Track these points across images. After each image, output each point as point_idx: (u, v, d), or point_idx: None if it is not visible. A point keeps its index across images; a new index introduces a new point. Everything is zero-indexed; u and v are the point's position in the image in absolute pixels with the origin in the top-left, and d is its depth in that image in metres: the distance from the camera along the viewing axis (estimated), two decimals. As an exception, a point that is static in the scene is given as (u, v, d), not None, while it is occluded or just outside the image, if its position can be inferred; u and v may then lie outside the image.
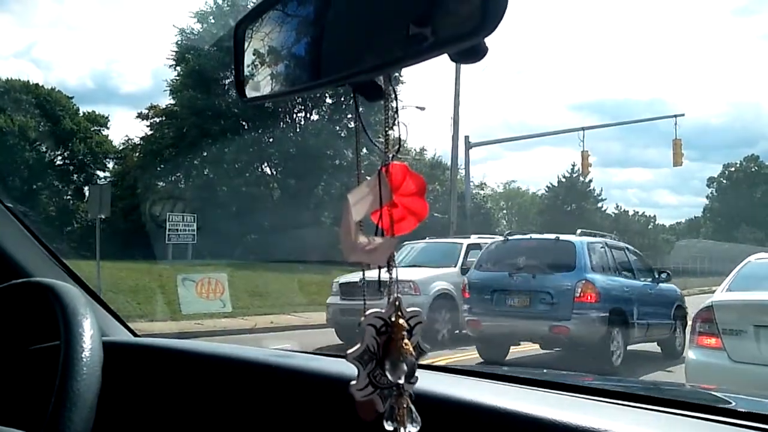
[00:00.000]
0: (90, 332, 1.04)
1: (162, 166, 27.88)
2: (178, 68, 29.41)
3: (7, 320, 1.39)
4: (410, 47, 0.60)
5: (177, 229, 19.38)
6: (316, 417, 1.19)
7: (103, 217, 16.22)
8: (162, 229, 19.75)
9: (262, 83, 0.80)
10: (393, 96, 0.68)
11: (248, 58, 0.81)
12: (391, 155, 0.69)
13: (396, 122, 0.68)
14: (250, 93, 0.81)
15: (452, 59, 0.61)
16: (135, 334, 1.80)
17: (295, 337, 12.66)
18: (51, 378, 0.98)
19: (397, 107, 0.69)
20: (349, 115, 28.96)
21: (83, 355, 1.00)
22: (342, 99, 27.11)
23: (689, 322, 5.82)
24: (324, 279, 18.50)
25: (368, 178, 0.70)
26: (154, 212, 23.58)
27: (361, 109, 0.70)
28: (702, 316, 5.21)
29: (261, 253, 21.21)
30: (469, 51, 0.60)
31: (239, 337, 11.71)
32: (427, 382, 1.04)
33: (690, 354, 5.25)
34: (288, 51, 0.76)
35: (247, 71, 0.81)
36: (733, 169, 70.99)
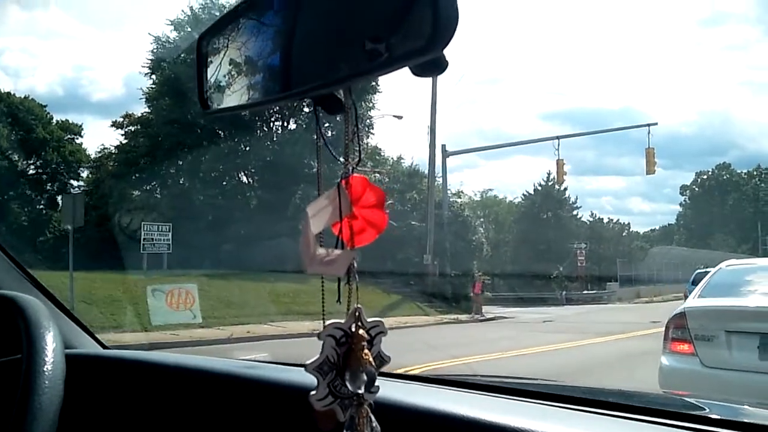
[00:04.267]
0: (52, 345, 1.03)
1: (137, 175, 27.53)
2: (154, 77, 29.18)
3: None
4: (368, 62, 0.61)
5: (152, 239, 19.18)
6: (281, 427, 1.19)
7: (76, 227, 15.99)
8: (136, 239, 19.52)
9: (223, 96, 0.80)
10: (353, 109, 0.69)
11: (210, 70, 0.81)
12: (351, 167, 0.69)
13: (355, 134, 0.69)
14: (212, 105, 0.81)
15: (414, 73, 0.62)
16: (104, 346, 1.79)
17: (273, 347, 12.54)
18: (12, 393, 0.97)
19: (357, 121, 0.70)
20: (327, 124, 28.84)
21: (45, 369, 0.99)
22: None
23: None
24: (300, 288, 18.42)
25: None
26: (129, 222, 23.33)
27: (327, 124, 0.71)
28: (675, 323, 5.22)
29: (237, 262, 21.07)
30: (430, 65, 0.61)
31: (214, 347, 11.59)
32: (390, 390, 1.04)
33: (663, 360, 5.25)
34: (249, 65, 0.77)
35: (209, 84, 0.81)
36: (705, 177, 72.21)
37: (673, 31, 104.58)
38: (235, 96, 0.79)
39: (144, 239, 19.05)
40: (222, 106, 0.81)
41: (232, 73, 0.79)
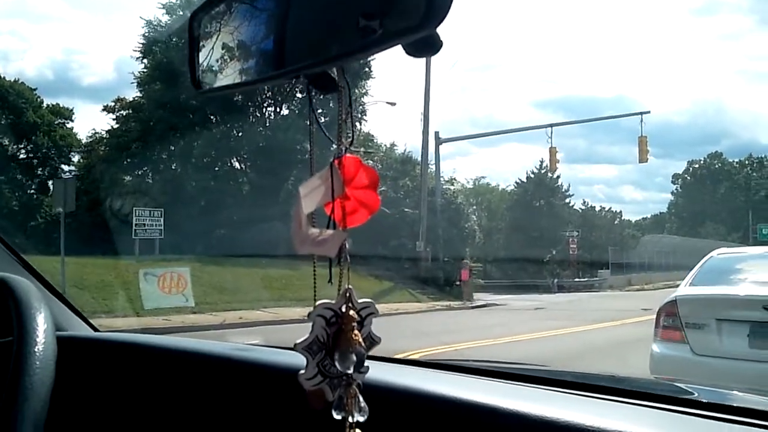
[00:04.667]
0: (43, 326, 1.03)
1: (128, 160, 27.38)
2: (145, 61, 28.91)
3: None
4: (361, 40, 0.60)
5: (144, 224, 19.08)
6: (274, 408, 1.20)
7: (67, 211, 15.90)
8: (128, 224, 19.42)
9: (215, 75, 0.80)
10: (346, 89, 0.69)
11: (202, 49, 0.80)
12: (344, 148, 0.69)
13: (349, 115, 0.69)
14: (203, 85, 0.80)
15: (407, 52, 0.62)
16: (96, 329, 1.79)
17: (265, 333, 12.53)
18: (3, 375, 0.96)
19: (350, 100, 0.70)
20: (320, 110, 28.69)
21: (36, 350, 0.99)
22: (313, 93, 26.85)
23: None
24: (293, 274, 18.40)
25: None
26: (120, 207, 23.18)
27: (320, 110, 0.69)
28: (666, 310, 5.26)
29: (229, 248, 21.01)
30: (423, 44, 0.61)
31: (207, 333, 11.58)
32: (379, 372, 1.04)
33: (654, 347, 5.29)
34: (242, 43, 0.76)
35: (201, 63, 0.80)
36: (697, 165, 72.43)
37: (667, 19, 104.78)
38: (228, 76, 0.78)
39: (136, 225, 18.94)
40: (214, 86, 0.80)
41: (225, 51, 0.78)
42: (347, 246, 0.70)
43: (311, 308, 0.70)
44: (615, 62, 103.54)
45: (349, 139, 0.70)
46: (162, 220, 19.52)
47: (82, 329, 1.73)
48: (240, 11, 0.76)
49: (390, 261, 23.64)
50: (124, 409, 1.46)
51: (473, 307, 21.60)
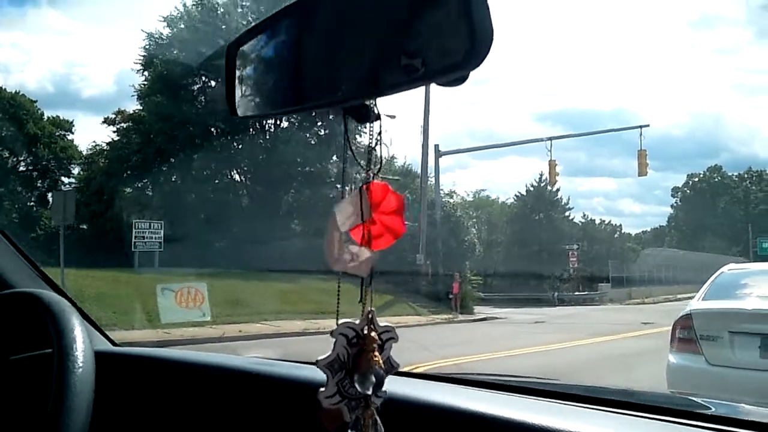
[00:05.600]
0: (82, 341, 1.05)
1: (128, 172, 27.36)
2: (146, 73, 28.97)
3: None
4: (402, 76, 0.62)
5: (143, 237, 19.05)
6: (291, 423, 1.20)
7: (66, 224, 15.87)
8: (128, 236, 19.38)
9: (253, 102, 0.82)
10: (379, 119, 0.71)
11: (239, 77, 0.82)
12: (372, 174, 0.72)
13: (379, 143, 0.72)
14: (241, 111, 0.82)
15: (438, 83, 0.64)
16: (114, 343, 1.81)
17: (267, 346, 12.48)
18: (33, 387, 1.00)
19: (381, 130, 0.72)
20: (319, 123, 28.79)
21: (77, 365, 1.01)
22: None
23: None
24: (293, 287, 18.35)
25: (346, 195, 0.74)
26: (120, 219, 23.17)
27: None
28: (681, 323, 5.54)
29: (229, 261, 20.96)
30: (456, 78, 0.63)
31: (208, 346, 11.53)
32: (399, 386, 1.06)
33: (670, 358, 5.55)
34: (280, 72, 0.79)
35: (238, 90, 0.82)
36: (696, 179, 72.47)
37: (665, 33, 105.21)
38: (263, 103, 0.82)
39: (135, 237, 18.92)
40: (251, 113, 0.83)
41: (262, 80, 0.82)
42: (373, 268, 0.73)
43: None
44: (614, 75, 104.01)
45: (377, 167, 0.72)
46: (162, 232, 19.48)
47: (100, 343, 1.74)
48: (278, 43, 0.78)
49: (389, 274, 23.54)
50: (145, 423, 1.47)
51: (473, 321, 21.53)
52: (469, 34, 0.57)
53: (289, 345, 11.86)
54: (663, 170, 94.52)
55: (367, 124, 0.71)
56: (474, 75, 0.61)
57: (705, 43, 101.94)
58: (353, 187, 0.73)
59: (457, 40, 0.58)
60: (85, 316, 1.73)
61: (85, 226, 25.32)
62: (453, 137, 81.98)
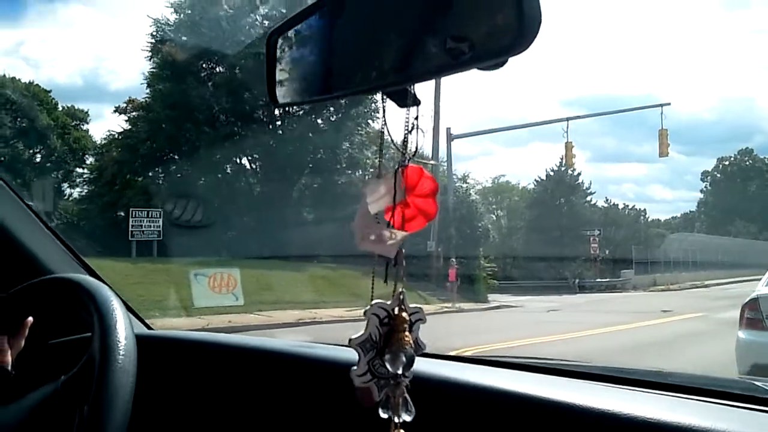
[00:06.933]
0: (124, 324, 1.06)
1: (140, 161, 27.12)
2: (153, 60, 28.60)
3: (34, 316, 1.37)
4: (450, 60, 0.61)
5: (141, 226, 18.66)
6: (330, 402, 1.21)
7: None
8: (129, 225, 19.04)
9: (293, 89, 0.83)
10: (419, 104, 0.71)
11: (280, 65, 0.82)
12: (408, 158, 0.73)
13: (416, 128, 0.72)
14: (281, 98, 0.83)
15: (479, 67, 0.63)
16: (149, 327, 1.86)
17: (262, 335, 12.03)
18: (70, 371, 1.04)
19: (417, 114, 0.72)
20: (332, 108, 28.25)
21: (121, 347, 1.02)
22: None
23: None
24: (298, 276, 17.98)
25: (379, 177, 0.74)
26: (131, 207, 22.89)
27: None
28: (749, 306, 6.58)
29: (229, 250, 20.59)
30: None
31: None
32: (426, 366, 1.11)
33: (740, 334, 6.58)
34: (321, 58, 0.79)
35: (278, 77, 0.82)
36: (727, 162, 70.76)
37: (697, 14, 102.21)
38: (304, 90, 0.83)
39: (132, 226, 18.55)
40: (292, 100, 0.85)
41: (302, 67, 0.82)
42: (403, 250, 0.73)
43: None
44: (642, 59, 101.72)
45: (413, 151, 0.72)
46: (161, 221, 19.09)
47: (137, 327, 1.73)
48: (319, 29, 0.77)
49: (400, 261, 22.98)
50: (185, 406, 1.52)
51: (486, 309, 21.05)
52: (518, 15, 0.56)
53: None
54: (693, 155, 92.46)
55: (405, 109, 0.71)
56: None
57: (738, 23, 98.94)
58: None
59: (504, 22, 0.57)
60: (122, 301, 1.67)
61: (99, 216, 25.30)
62: (474, 125, 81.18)
